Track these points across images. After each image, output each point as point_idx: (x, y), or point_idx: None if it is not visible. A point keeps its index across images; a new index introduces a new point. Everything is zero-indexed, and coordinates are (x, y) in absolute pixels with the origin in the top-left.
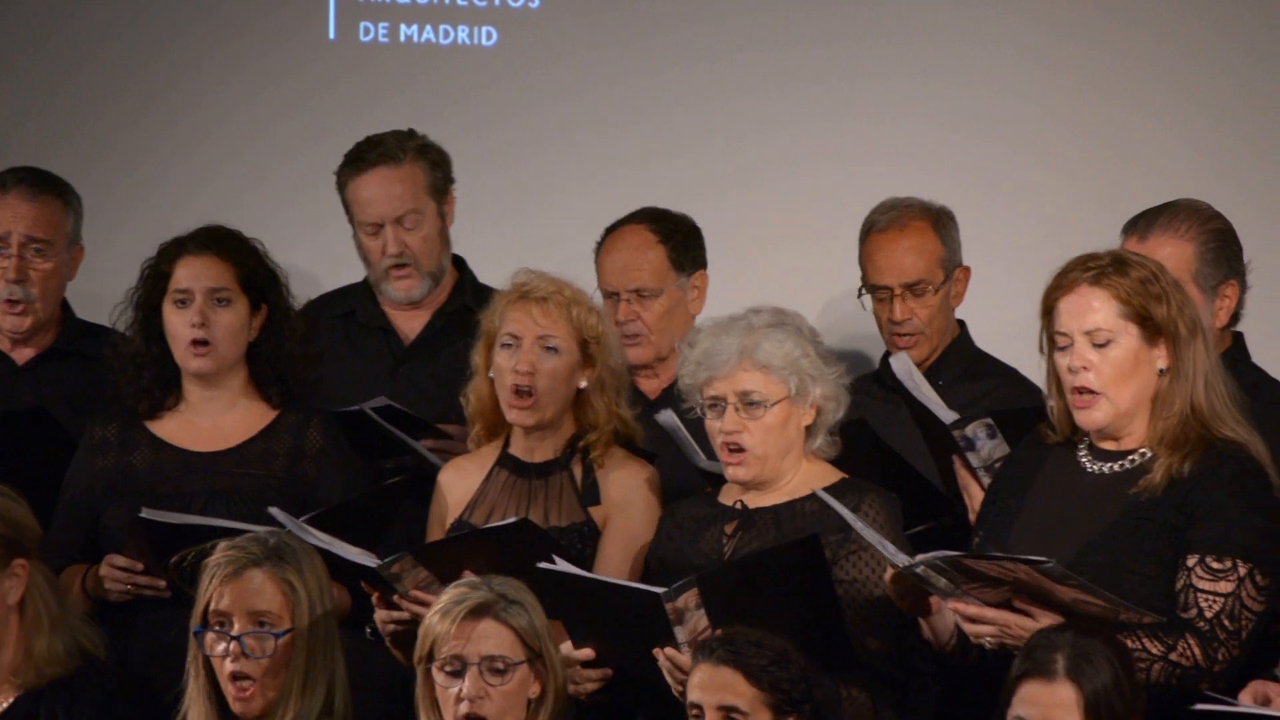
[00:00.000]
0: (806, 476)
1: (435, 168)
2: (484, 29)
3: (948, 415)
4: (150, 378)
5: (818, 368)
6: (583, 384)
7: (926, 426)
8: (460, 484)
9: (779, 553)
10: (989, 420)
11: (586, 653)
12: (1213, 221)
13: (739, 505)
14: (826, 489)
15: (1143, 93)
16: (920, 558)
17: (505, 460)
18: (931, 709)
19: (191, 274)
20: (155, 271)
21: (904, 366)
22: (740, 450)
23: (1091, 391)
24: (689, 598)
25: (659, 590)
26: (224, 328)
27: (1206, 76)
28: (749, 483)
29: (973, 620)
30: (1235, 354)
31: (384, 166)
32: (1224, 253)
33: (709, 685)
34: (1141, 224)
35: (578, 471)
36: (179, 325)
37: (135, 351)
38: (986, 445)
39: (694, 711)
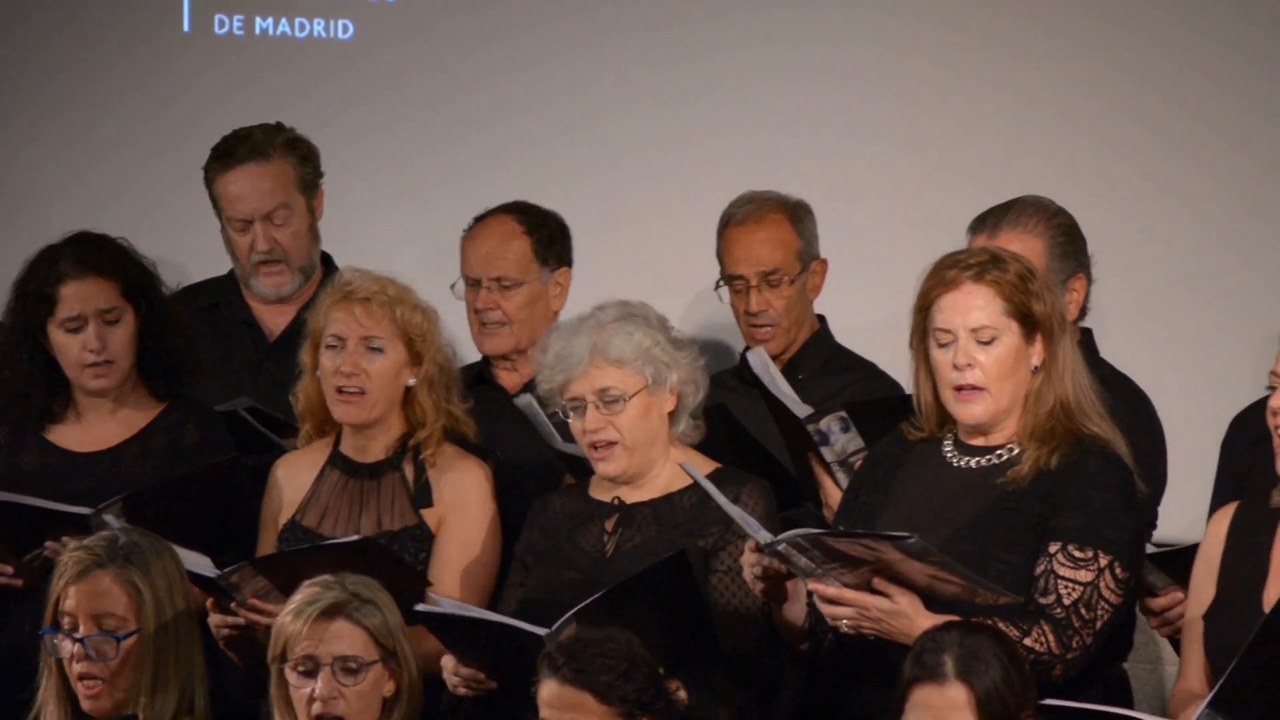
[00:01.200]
0: (679, 467)
1: (305, 162)
2: (340, 22)
3: (802, 409)
4: (40, 393)
5: (670, 354)
6: (410, 382)
7: (782, 421)
8: (292, 482)
9: (650, 574)
10: (843, 414)
11: (476, 675)
12: (1058, 216)
13: (616, 501)
14: (706, 477)
15: (997, 85)
16: (784, 535)
17: (336, 459)
18: (793, 701)
19: (79, 298)
20: (38, 295)
21: (760, 360)
22: (609, 446)
23: (976, 388)
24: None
25: (541, 631)
26: (119, 343)
27: (1052, 72)
28: (619, 477)
29: (831, 601)
30: (1084, 348)
31: (253, 162)
32: (1070, 247)
33: (558, 704)
34: (990, 221)
35: (409, 471)
36: (74, 350)
37: (20, 374)
38: (840, 439)
39: None
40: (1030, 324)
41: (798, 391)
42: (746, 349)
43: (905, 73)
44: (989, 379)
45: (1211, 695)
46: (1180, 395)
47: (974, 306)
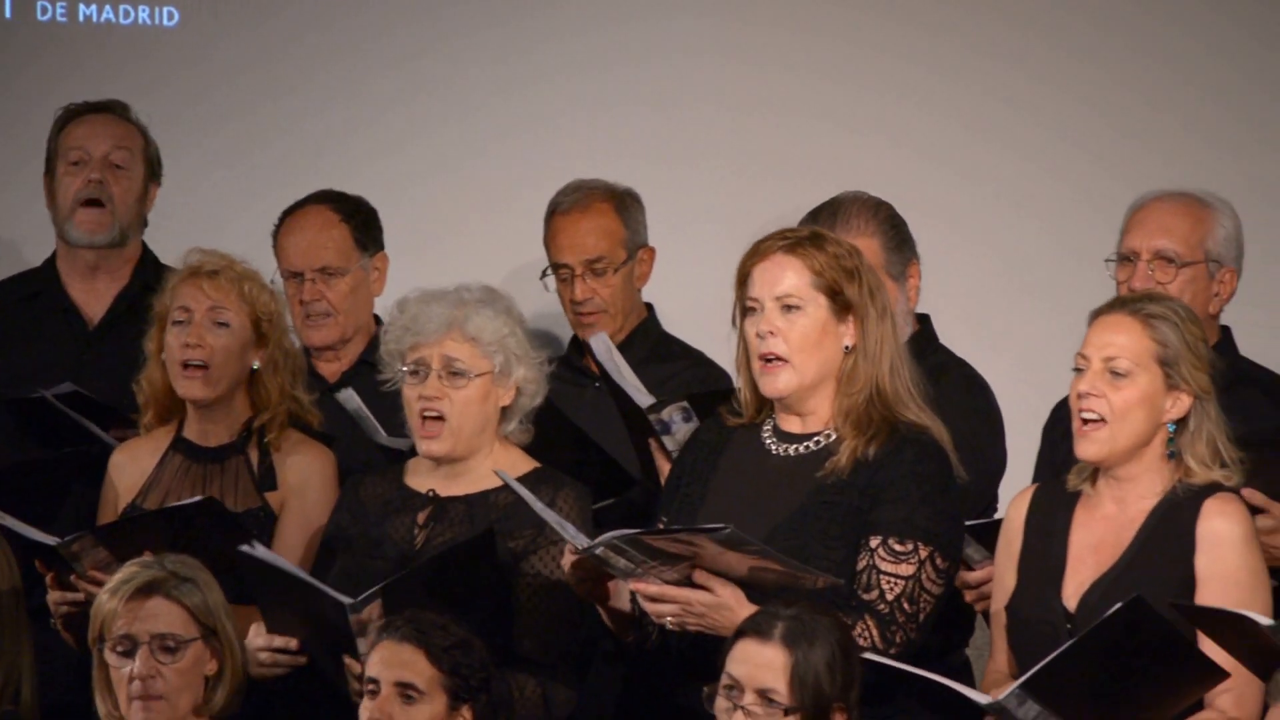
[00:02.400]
0: (500, 462)
1: (151, 145)
2: (165, 9)
3: (645, 399)
4: None
5: (524, 349)
6: (256, 364)
7: (625, 409)
8: (133, 467)
9: (457, 551)
10: (685, 404)
11: (288, 641)
12: (883, 209)
13: (431, 494)
14: (520, 478)
15: (823, 76)
16: (600, 539)
17: (179, 444)
18: (615, 697)
19: None
20: None
21: (603, 346)
22: (438, 420)
23: (778, 358)
24: (373, 609)
25: (345, 601)
26: None
27: (875, 65)
28: (442, 458)
29: (654, 599)
30: (923, 336)
31: (109, 114)
32: (900, 237)
33: (390, 661)
34: (823, 221)
35: (254, 456)
36: None
37: None
38: (683, 429)
39: (370, 686)
40: (842, 303)
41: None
42: (575, 337)
43: (723, 57)
44: (791, 349)
45: (1022, 680)
46: (1006, 383)
47: (781, 275)
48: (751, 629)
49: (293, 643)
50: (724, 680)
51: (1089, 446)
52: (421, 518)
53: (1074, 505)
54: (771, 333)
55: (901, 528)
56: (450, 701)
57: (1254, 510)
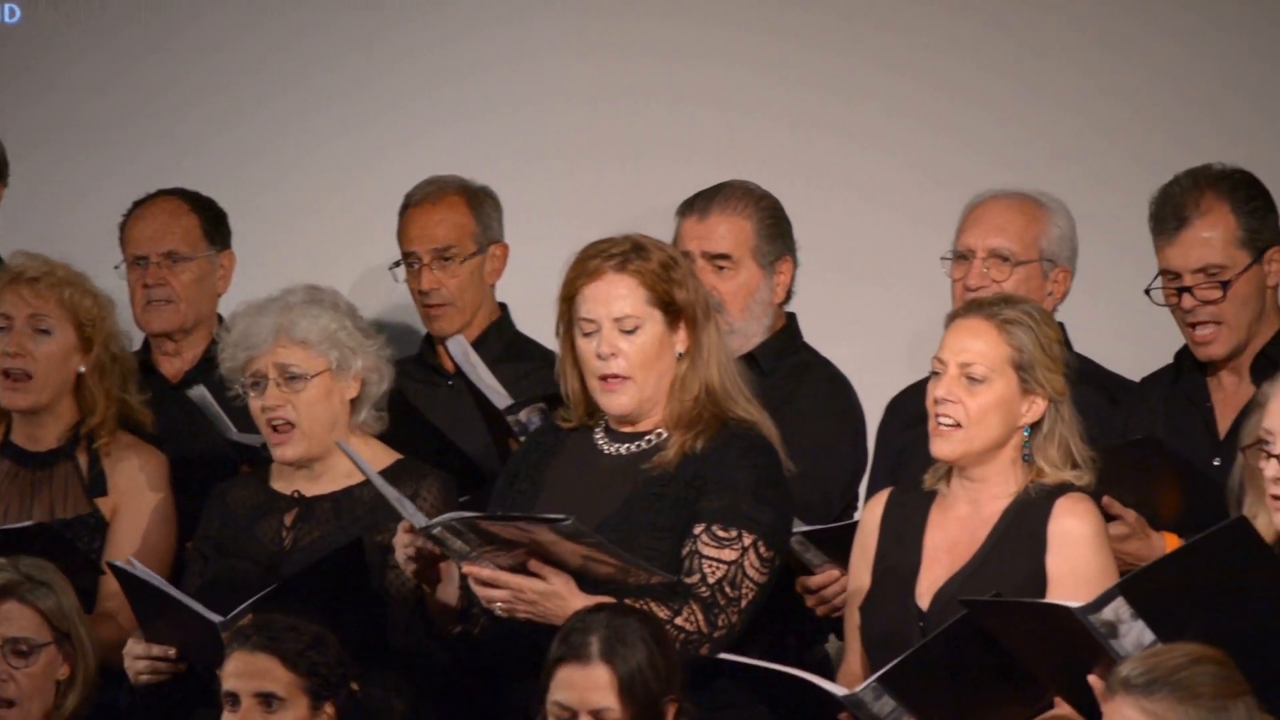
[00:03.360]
0: (361, 455)
1: None
2: (7, 6)
3: (503, 400)
4: None
5: (357, 340)
6: (81, 368)
7: (485, 409)
8: None
9: (326, 563)
10: (542, 405)
11: (166, 650)
12: (766, 199)
13: (296, 495)
14: (384, 471)
15: (674, 63)
16: (438, 518)
17: (6, 449)
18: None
19: None
20: None
21: (459, 349)
22: (287, 428)
23: (621, 377)
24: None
25: (215, 618)
26: None
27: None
28: (297, 461)
29: (487, 584)
30: (787, 333)
31: None
32: (778, 229)
33: (245, 673)
34: (699, 204)
35: (83, 460)
36: None
37: None
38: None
39: (229, 699)
40: (673, 312)
41: None
42: (428, 335)
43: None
44: (633, 368)
45: (880, 673)
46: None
47: (616, 296)
48: (569, 654)
49: (171, 651)
50: (553, 711)
51: (944, 446)
52: (289, 519)
53: (929, 506)
54: (613, 354)
55: (726, 515)
56: (311, 702)
57: (1109, 517)
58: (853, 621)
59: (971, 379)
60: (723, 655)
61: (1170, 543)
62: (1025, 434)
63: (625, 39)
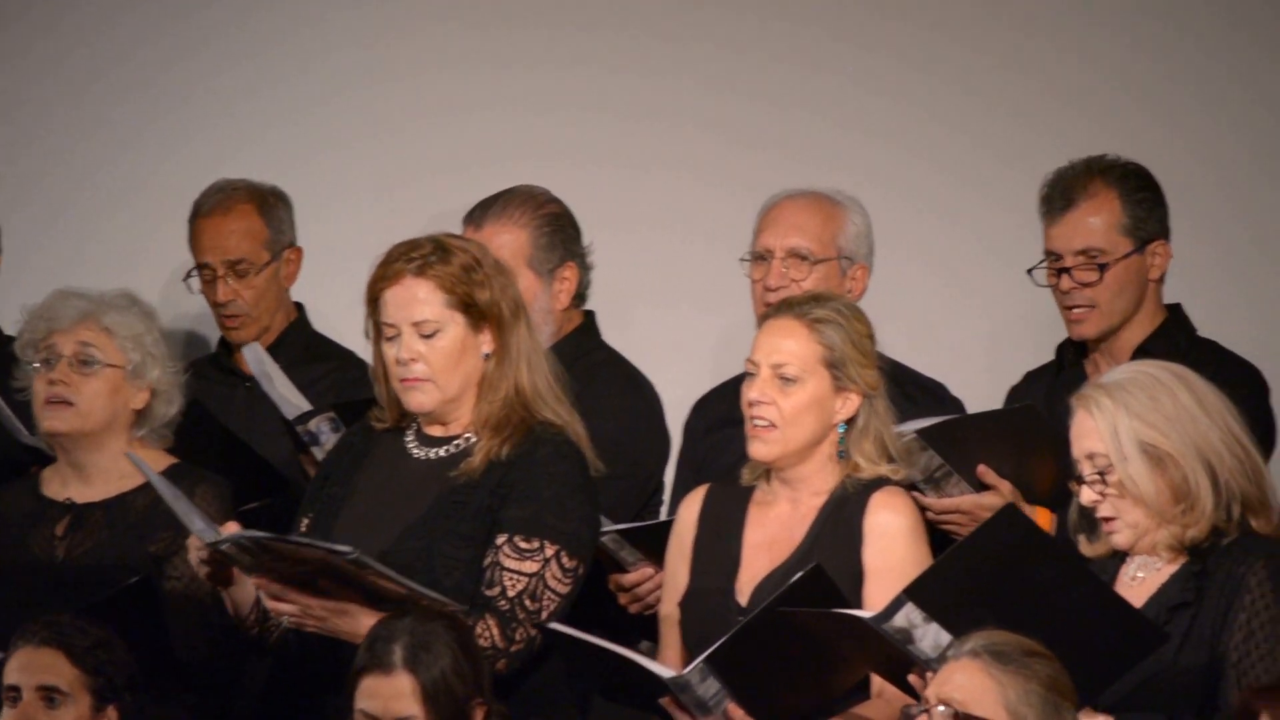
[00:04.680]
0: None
1: None
2: None
3: (292, 410)
4: None
5: (161, 352)
6: None
7: (282, 418)
8: None
9: (116, 600)
10: (332, 414)
11: None
12: (547, 206)
13: (68, 501)
14: (161, 474)
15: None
16: (226, 537)
17: None
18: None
19: None
20: None
21: (255, 357)
22: (63, 405)
23: (421, 380)
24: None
25: None
26: None
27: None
28: (63, 436)
29: (275, 597)
30: (584, 332)
31: None
32: (559, 236)
33: (29, 667)
34: (477, 213)
35: None
36: None
37: None
38: (331, 439)
39: (10, 694)
40: (477, 314)
41: None
42: (222, 340)
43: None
44: (434, 371)
45: (706, 654)
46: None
47: (415, 300)
48: (372, 664)
49: None
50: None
51: (762, 448)
52: (60, 528)
53: (747, 503)
54: (413, 359)
55: (528, 525)
56: (95, 702)
57: (983, 487)
58: (671, 617)
59: (784, 379)
60: (554, 626)
61: (1042, 517)
62: (840, 430)
63: (421, 43)
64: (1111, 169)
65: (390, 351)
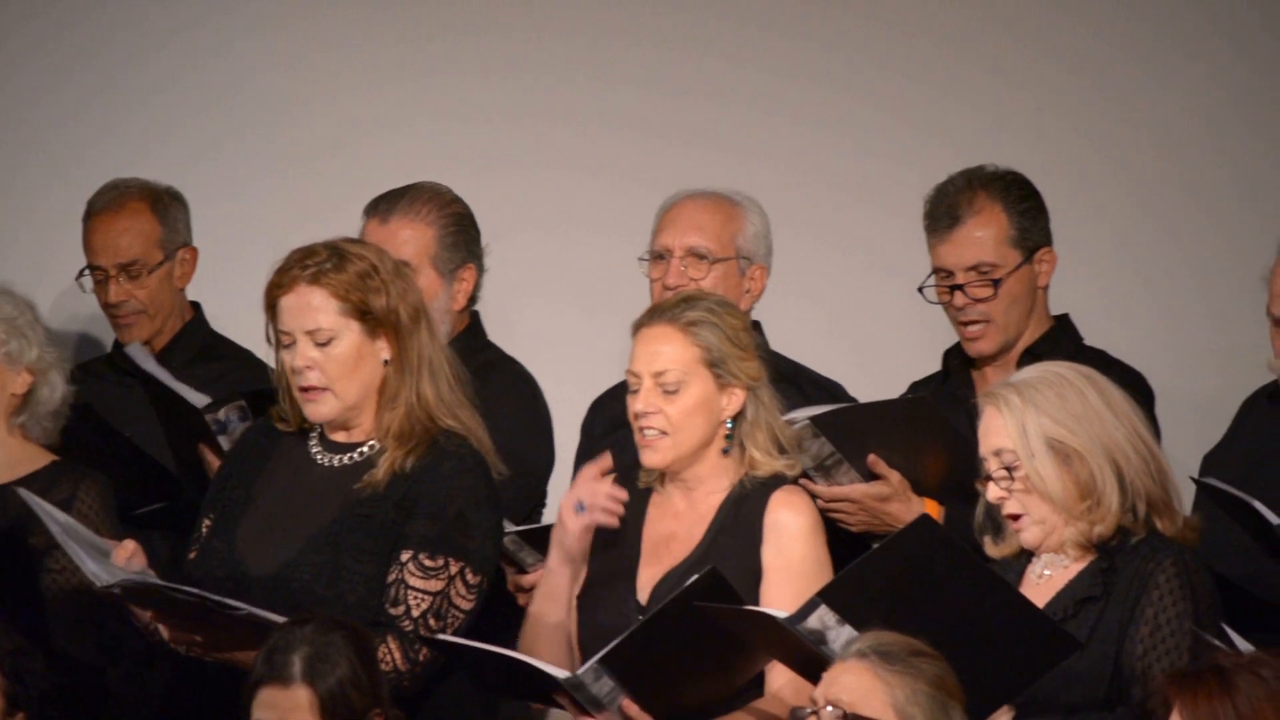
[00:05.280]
0: (14, 454)
1: None
2: None
3: (199, 399)
4: None
5: (38, 337)
6: None
7: (168, 411)
8: None
9: None
10: (242, 403)
11: None
12: (453, 206)
13: None
14: (39, 471)
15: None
16: (119, 581)
17: None
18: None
19: None
20: None
21: (140, 354)
22: None
23: (318, 389)
24: None
25: None
26: None
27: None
28: None
29: (173, 629)
30: (472, 333)
31: None
32: (462, 237)
33: None
34: (383, 207)
35: None
36: None
37: None
38: (239, 428)
39: None
40: (373, 321)
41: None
42: (117, 342)
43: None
44: (330, 379)
45: (601, 654)
46: (557, 380)
47: (309, 308)
48: (269, 675)
49: None
50: None
51: (654, 456)
52: None
53: (646, 501)
54: (308, 367)
55: (433, 543)
56: (6, 706)
57: (872, 476)
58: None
59: (667, 387)
60: (441, 637)
61: (930, 509)
62: (729, 426)
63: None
64: (993, 181)
65: (287, 359)
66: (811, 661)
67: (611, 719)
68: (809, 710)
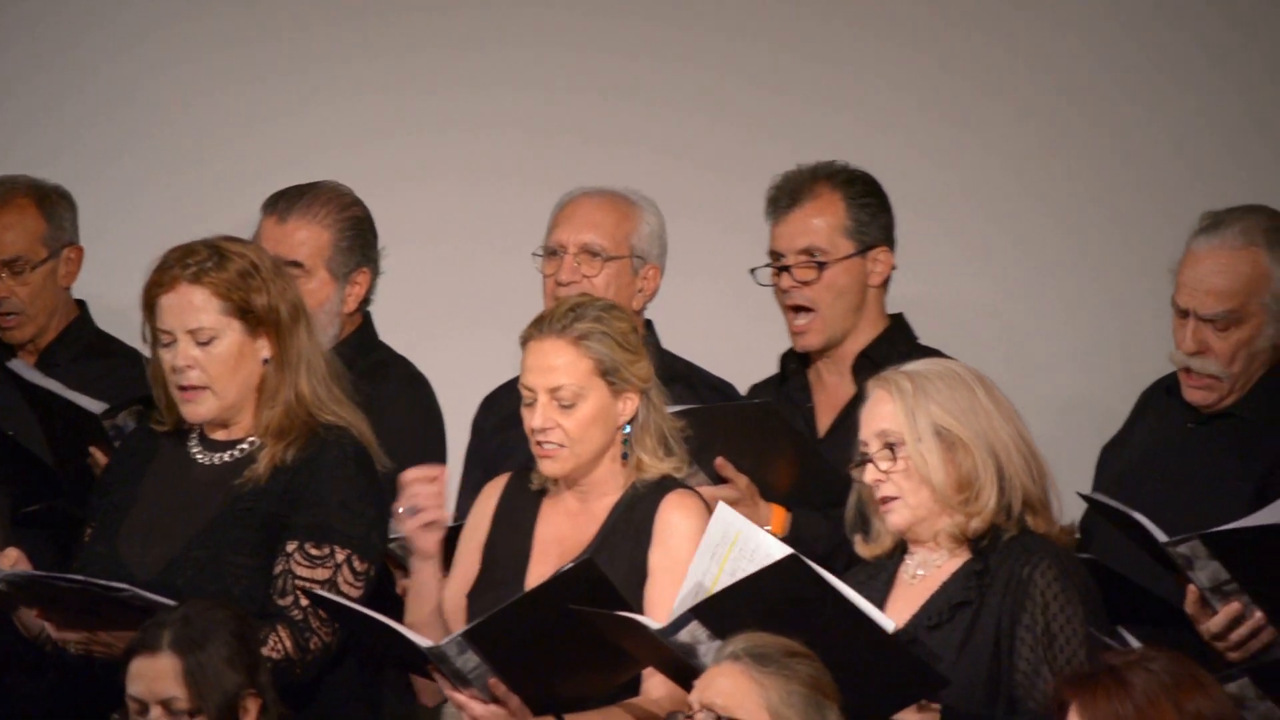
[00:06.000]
0: None
1: None
2: None
3: (95, 405)
4: None
5: None
6: None
7: (51, 417)
8: None
9: None
10: (140, 407)
11: None
12: (352, 209)
13: None
14: None
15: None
16: (3, 575)
17: None
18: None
19: None
20: None
21: (23, 367)
22: None
23: (198, 388)
24: None
25: None
26: None
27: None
28: None
29: (60, 627)
30: (364, 333)
31: None
32: (359, 241)
33: None
34: (281, 206)
35: None
36: None
37: None
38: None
39: None
40: (254, 320)
41: (58, 379)
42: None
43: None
44: (210, 379)
45: (464, 630)
46: (445, 377)
47: (190, 307)
48: (140, 645)
49: None
50: (130, 705)
51: (554, 466)
52: None
53: (540, 499)
54: (189, 366)
55: (318, 532)
56: None
57: (720, 480)
58: (458, 606)
59: (564, 400)
60: (320, 593)
61: (777, 515)
62: (625, 431)
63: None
64: (838, 174)
65: (167, 358)
66: (684, 670)
67: (477, 695)
68: (684, 715)
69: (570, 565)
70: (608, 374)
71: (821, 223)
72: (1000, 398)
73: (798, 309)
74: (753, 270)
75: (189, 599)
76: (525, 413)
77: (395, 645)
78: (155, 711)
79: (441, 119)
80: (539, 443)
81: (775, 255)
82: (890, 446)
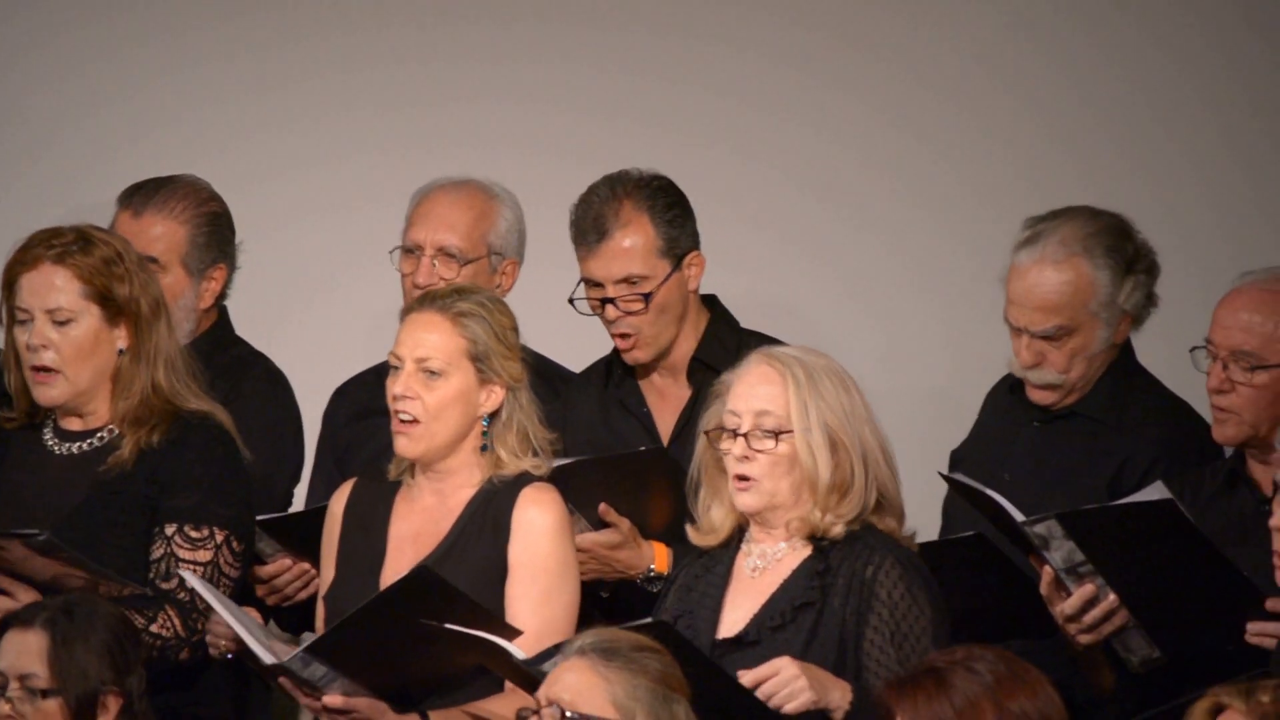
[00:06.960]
0: None
1: None
2: None
3: None
4: None
5: None
6: None
7: None
8: None
9: None
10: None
11: None
12: (209, 204)
13: None
14: None
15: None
16: None
17: None
18: None
19: None
20: None
21: None
22: None
23: (50, 370)
24: None
25: None
26: None
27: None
28: None
29: None
30: (221, 329)
31: None
32: (216, 237)
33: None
34: (136, 200)
35: None
36: None
37: None
38: None
39: None
40: (113, 308)
41: None
42: None
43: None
44: (64, 361)
45: (306, 645)
46: (310, 373)
47: (51, 287)
48: (16, 619)
49: None
50: None
51: (408, 444)
52: None
53: (394, 496)
54: (44, 346)
55: (196, 514)
56: None
57: (602, 524)
58: (319, 612)
59: (429, 373)
60: (192, 583)
61: (659, 552)
62: (485, 424)
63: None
64: (639, 189)
65: (22, 337)
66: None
67: (335, 699)
68: (531, 711)
69: (405, 575)
70: (478, 359)
71: (635, 246)
72: (864, 399)
73: (625, 335)
74: (571, 300)
75: (81, 591)
76: (389, 380)
77: (247, 655)
78: (13, 686)
79: (298, 112)
80: (397, 414)
81: (592, 284)
82: (774, 432)
